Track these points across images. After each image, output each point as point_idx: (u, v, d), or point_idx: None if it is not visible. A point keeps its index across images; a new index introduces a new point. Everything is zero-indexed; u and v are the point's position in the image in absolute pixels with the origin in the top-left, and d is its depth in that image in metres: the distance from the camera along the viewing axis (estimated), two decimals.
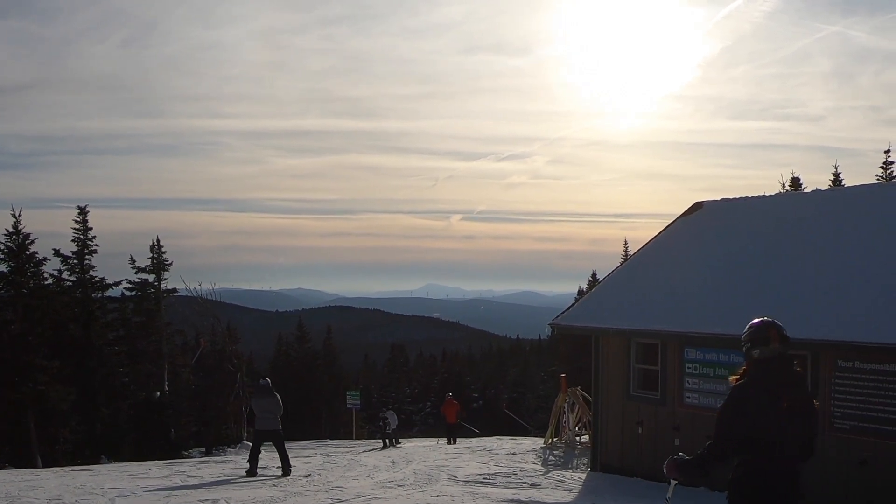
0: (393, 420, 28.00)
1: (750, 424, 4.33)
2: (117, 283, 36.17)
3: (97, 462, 27.21)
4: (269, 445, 14.98)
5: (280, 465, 14.56)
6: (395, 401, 67.23)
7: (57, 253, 33.35)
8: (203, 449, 34.16)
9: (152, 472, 15.44)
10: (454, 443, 24.80)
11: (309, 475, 14.44)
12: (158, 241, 37.59)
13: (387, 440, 26.84)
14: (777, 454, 4.34)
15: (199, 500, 11.36)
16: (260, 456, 14.73)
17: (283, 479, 13.77)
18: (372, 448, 25.25)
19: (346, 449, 25.68)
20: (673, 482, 4.99)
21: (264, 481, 13.56)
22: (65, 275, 33.81)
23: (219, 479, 13.97)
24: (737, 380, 4.57)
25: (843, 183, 31.01)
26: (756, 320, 4.68)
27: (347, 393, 36.72)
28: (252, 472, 14.30)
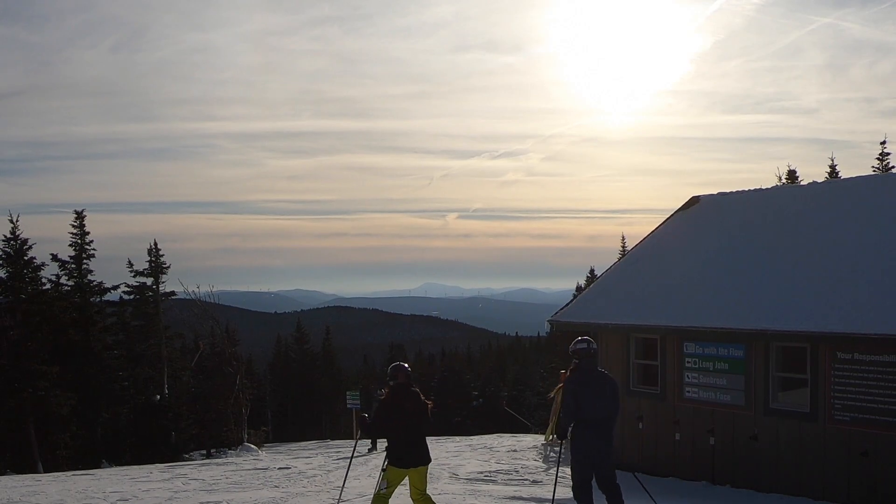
0: None
1: (390, 415, 7.96)
2: (115, 287, 36.00)
3: (98, 466, 27.16)
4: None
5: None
6: None
7: (55, 258, 33.23)
8: (204, 451, 34.12)
9: (153, 476, 15.45)
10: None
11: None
12: (156, 244, 37.44)
13: None
14: (403, 431, 7.90)
15: (201, 503, 11.39)
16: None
17: (287, 481, 13.83)
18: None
19: (347, 449, 25.66)
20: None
21: (266, 482, 13.58)
22: (63, 280, 33.67)
23: (219, 479, 13.99)
24: (387, 392, 8.13)
25: (840, 175, 31.01)
26: (394, 364, 8.23)
27: (347, 393, 36.57)
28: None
